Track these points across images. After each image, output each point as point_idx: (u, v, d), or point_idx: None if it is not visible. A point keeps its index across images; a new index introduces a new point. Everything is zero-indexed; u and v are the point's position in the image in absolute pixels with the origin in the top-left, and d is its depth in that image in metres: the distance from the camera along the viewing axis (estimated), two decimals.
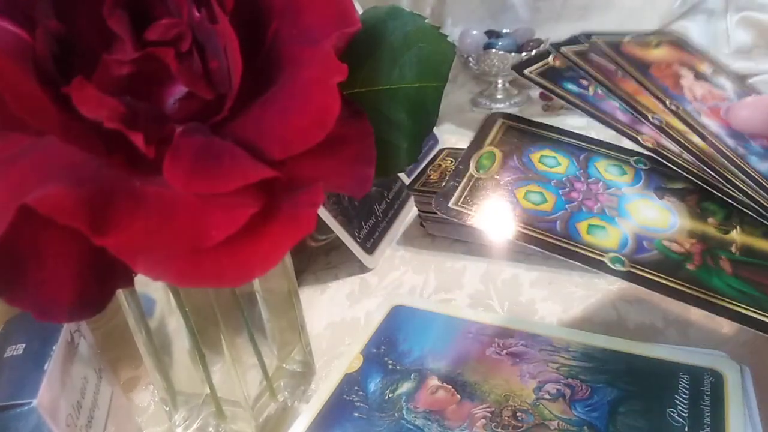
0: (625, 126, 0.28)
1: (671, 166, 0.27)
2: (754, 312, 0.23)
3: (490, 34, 0.76)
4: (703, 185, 0.26)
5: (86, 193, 0.16)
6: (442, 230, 0.51)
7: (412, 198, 0.53)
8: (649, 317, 0.38)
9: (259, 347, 0.34)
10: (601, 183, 0.28)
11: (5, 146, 0.18)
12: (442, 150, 0.56)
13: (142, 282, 0.23)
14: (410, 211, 0.55)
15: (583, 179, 0.28)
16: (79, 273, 0.17)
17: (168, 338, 0.33)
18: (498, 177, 0.28)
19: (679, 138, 0.28)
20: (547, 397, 0.31)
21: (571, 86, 0.29)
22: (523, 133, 0.30)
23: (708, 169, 0.27)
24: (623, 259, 0.24)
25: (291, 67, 0.20)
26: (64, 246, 0.17)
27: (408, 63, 0.23)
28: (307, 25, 0.20)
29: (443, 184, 0.27)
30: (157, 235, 0.17)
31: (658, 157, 0.27)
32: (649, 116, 0.28)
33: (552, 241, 0.25)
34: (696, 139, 0.28)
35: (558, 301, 0.41)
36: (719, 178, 0.27)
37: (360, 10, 0.23)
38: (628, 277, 0.24)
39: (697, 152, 0.27)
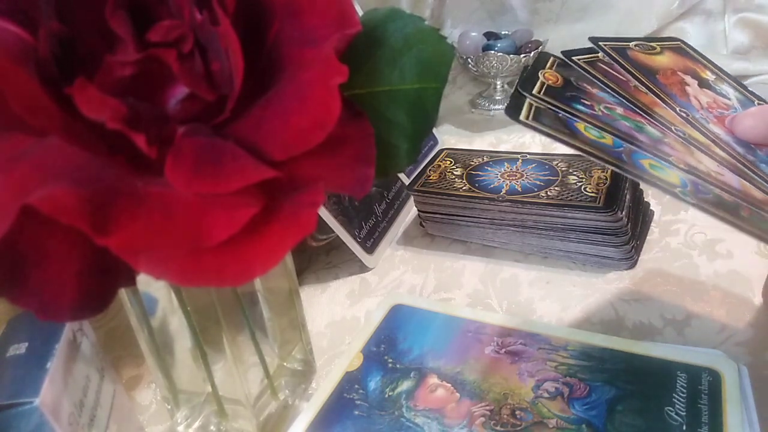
0: (648, 146, 0.26)
1: (708, 185, 0.26)
2: None
3: (489, 35, 0.76)
4: (740, 200, 0.25)
5: (88, 193, 0.17)
6: (442, 230, 0.51)
7: (412, 198, 0.53)
8: (647, 316, 0.38)
9: (260, 346, 0.34)
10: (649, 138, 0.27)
11: (7, 146, 0.18)
12: (441, 150, 0.56)
13: (144, 281, 0.23)
14: (410, 211, 0.55)
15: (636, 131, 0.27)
16: (82, 272, 0.18)
17: (170, 337, 0.33)
18: (554, 110, 0.27)
19: (704, 149, 0.27)
20: (546, 395, 0.32)
21: (579, 107, 0.27)
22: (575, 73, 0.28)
23: (742, 177, 0.26)
24: (689, 193, 0.24)
25: (292, 69, 0.20)
26: (67, 246, 0.17)
27: (408, 64, 0.23)
28: (308, 26, 0.20)
29: (510, 96, 0.26)
30: (158, 234, 0.17)
31: (693, 174, 0.26)
32: (672, 128, 0.28)
33: (623, 166, 0.24)
34: (718, 150, 0.27)
35: (556, 301, 0.42)
36: (755, 180, 0.26)
37: (360, 12, 0.23)
38: (699, 207, 0.24)
39: (727, 164, 0.27)
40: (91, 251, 0.17)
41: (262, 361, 0.34)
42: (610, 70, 0.30)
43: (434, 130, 0.64)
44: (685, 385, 0.30)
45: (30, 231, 0.17)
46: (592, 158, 0.25)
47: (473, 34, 0.75)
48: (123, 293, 0.30)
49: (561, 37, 0.73)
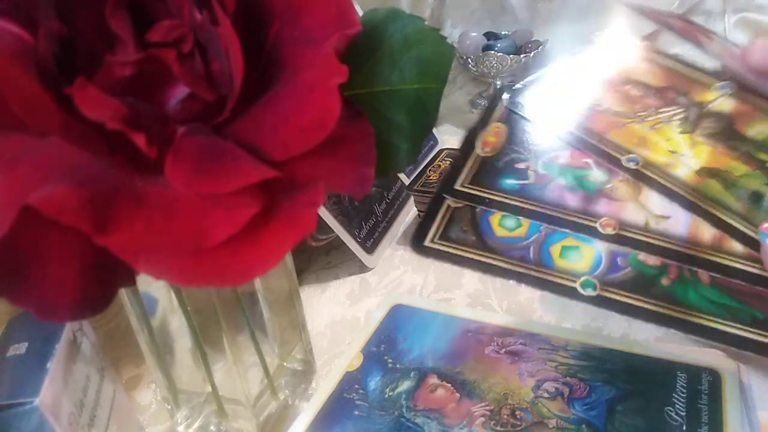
0: (576, 215, 0.25)
1: (638, 250, 0.24)
2: (731, 326, 0.22)
3: (489, 35, 0.76)
4: (680, 263, 0.24)
5: (88, 193, 0.17)
6: None
7: (412, 198, 0.53)
8: None
9: (260, 346, 0.34)
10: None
11: (7, 146, 0.18)
12: (441, 150, 0.56)
13: (144, 281, 0.23)
14: (410, 211, 0.55)
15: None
16: (82, 272, 0.18)
17: (170, 337, 0.33)
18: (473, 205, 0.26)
19: (659, 179, 0.26)
20: (546, 395, 0.32)
21: (509, 181, 0.26)
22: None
23: (692, 211, 0.25)
24: (594, 282, 0.23)
25: (292, 69, 0.20)
26: (67, 246, 0.17)
27: (408, 64, 0.23)
28: (308, 27, 0.20)
29: (417, 223, 0.25)
30: (158, 234, 0.17)
31: (621, 244, 0.24)
32: (623, 159, 0.26)
33: (524, 271, 0.24)
34: (682, 169, 0.26)
35: (556, 300, 0.41)
36: (708, 210, 0.25)
37: (360, 12, 0.23)
38: (599, 302, 0.23)
39: (682, 191, 0.25)
40: (91, 251, 0.17)
41: (262, 361, 0.34)
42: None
43: (434, 130, 0.64)
44: (685, 385, 0.30)
45: (30, 231, 0.17)
46: (492, 275, 0.24)
47: (473, 34, 0.75)
48: (123, 293, 0.30)
49: (561, 37, 0.73)
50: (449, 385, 0.34)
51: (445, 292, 0.45)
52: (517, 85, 0.30)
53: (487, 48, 0.72)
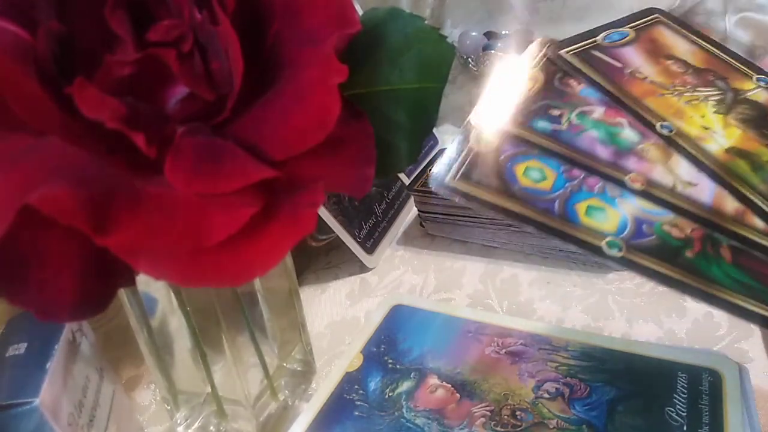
0: (607, 165, 0.25)
1: (663, 207, 0.25)
2: (751, 304, 0.23)
3: (490, 35, 0.76)
4: (702, 226, 0.24)
5: (88, 193, 0.17)
6: (442, 230, 0.51)
7: (412, 198, 0.53)
8: (647, 316, 0.38)
9: (260, 346, 0.34)
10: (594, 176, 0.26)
11: (7, 146, 0.18)
12: (441, 150, 0.56)
13: (144, 281, 0.23)
14: (410, 211, 0.55)
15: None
16: (81, 272, 0.18)
17: (169, 337, 0.33)
18: (497, 151, 0.26)
19: (689, 148, 0.26)
20: (546, 395, 0.32)
21: (542, 123, 0.26)
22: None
23: (718, 183, 0.25)
24: (620, 243, 0.23)
25: (292, 68, 0.20)
26: (66, 246, 0.17)
27: (408, 64, 0.23)
28: (308, 26, 0.20)
29: (438, 158, 0.25)
30: (158, 234, 0.17)
31: (647, 200, 0.25)
32: (657, 125, 0.26)
33: (549, 223, 0.24)
34: (713, 144, 0.26)
35: (557, 301, 0.41)
36: (734, 185, 0.25)
37: (360, 12, 0.23)
38: (624, 263, 0.23)
39: (710, 164, 0.26)
40: (90, 251, 0.17)
41: (261, 361, 0.34)
42: (605, 57, 0.29)
43: (434, 130, 0.64)
44: (685, 386, 0.30)
45: (29, 231, 0.17)
46: (513, 219, 0.24)
47: (473, 33, 0.75)
48: (122, 293, 0.30)
49: (561, 37, 0.72)
50: (449, 385, 0.33)
51: (445, 292, 0.45)
52: (562, 40, 0.30)
53: (487, 47, 0.72)
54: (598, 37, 0.30)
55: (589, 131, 0.26)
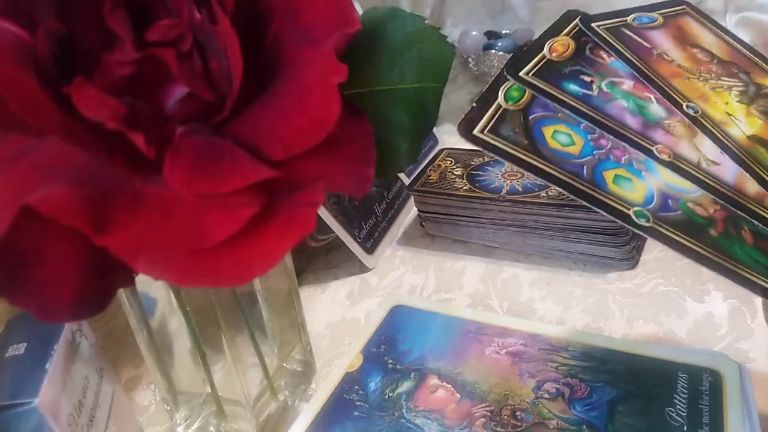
0: (635, 134, 0.26)
1: (688, 180, 0.25)
2: None
3: (490, 35, 0.76)
4: (725, 203, 0.25)
5: (87, 193, 0.16)
6: (442, 230, 0.51)
7: (412, 198, 0.53)
8: (648, 317, 0.38)
9: (259, 346, 0.34)
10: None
11: (6, 146, 0.18)
12: (441, 150, 0.56)
13: (143, 281, 0.23)
14: (410, 211, 0.55)
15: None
16: (80, 272, 0.17)
17: (169, 338, 0.33)
18: (526, 111, 0.26)
19: (714, 130, 0.26)
20: (547, 396, 0.31)
21: (573, 86, 0.27)
22: (557, 71, 0.28)
23: (741, 165, 0.26)
24: (648, 214, 0.24)
25: (291, 68, 0.20)
26: (65, 246, 0.17)
27: (408, 64, 0.23)
28: (308, 25, 0.20)
29: (468, 110, 0.25)
30: (157, 234, 0.17)
31: (673, 171, 0.25)
32: (684, 105, 0.27)
33: (578, 185, 0.24)
34: (735, 130, 0.27)
35: (557, 301, 0.41)
36: (755, 169, 0.26)
37: (360, 11, 0.23)
38: (652, 233, 0.23)
39: (733, 147, 0.26)
40: (90, 251, 0.17)
41: (261, 361, 0.34)
42: (635, 36, 0.29)
43: (434, 130, 0.64)
44: (686, 386, 0.30)
45: (29, 231, 0.17)
46: (542, 178, 0.24)
47: (474, 33, 0.75)
48: (122, 294, 0.30)
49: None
50: (449, 385, 0.33)
51: (445, 292, 0.45)
52: (593, 14, 0.30)
53: (487, 47, 0.72)
54: (628, 18, 0.30)
55: (618, 100, 0.27)
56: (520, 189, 0.46)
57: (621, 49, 0.28)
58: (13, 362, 0.29)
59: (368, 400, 0.34)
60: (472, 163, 0.52)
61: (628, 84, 0.28)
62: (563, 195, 0.43)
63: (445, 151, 0.55)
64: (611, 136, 0.26)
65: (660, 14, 0.32)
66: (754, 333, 0.35)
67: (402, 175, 0.55)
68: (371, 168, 0.20)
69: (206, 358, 0.32)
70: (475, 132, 0.25)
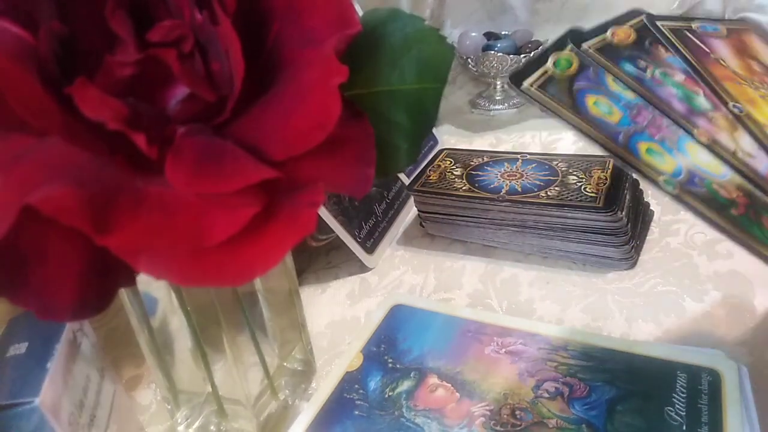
0: (680, 117, 0.27)
1: (720, 161, 0.27)
2: None
3: (489, 36, 0.76)
4: (753, 186, 0.26)
5: (88, 193, 0.17)
6: (442, 230, 0.51)
7: (412, 198, 0.53)
8: (647, 316, 0.38)
9: (260, 346, 0.34)
10: (665, 118, 0.28)
11: (8, 146, 0.18)
12: (441, 150, 0.56)
13: (145, 281, 0.23)
14: (410, 211, 0.55)
15: (651, 110, 0.28)
16: (82, 272, 0.18)
17: (170, 337, 0.33)
18: (572, 79, 0.28)
19: (754, 128, 0.28)
20: (546, 395, 0.32)
21: (628, 66, 0.28)
22: (603, 55, 0.29)
23: None
24: (675, 182, 0.25)
25: (292, 69, 0.20)
26: (67, 246, 0.17)
27: (408, 64, 0.23)
28: (308, 27, 0.20)
29: (519, 66, 0.27)
30: (158, 234, 0.17)
31: (709, 152, 0.27)
32: (730, 104, 0.28)
33: (613, 146, 0.26)
34: None
35: (556, 301, 0.42)
36: None
37: (360, 12, 0.23)
38: (678, 200, 0.25)
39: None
40: (91, 251, 0.17)
41: (262, 361, 0.34)
42: (695, 40, 0.31)
43: (434, 130, 0.64)
44: (685, 385, 0.30)
45: (30, 231, 0.17)
46: (582, 134, 0.26)
47: (473, 34, 0.75)
48: (123, 293, 0.30)
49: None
50: (449, 385, 0.34)
51: (445, 292, 0.45)
52: (659, 14, 0.32)
53: (487, 48, 0.72)
54: (692, 23, 0.32)
55: (669, 87, 0.28)
56: (520, 189, 0.46)
57: (679, 46, 0.30)
58: (15, 362, 0.29)
59: (368, 399, 0.34)
60: (472, 163, 0.52)
61: (680, 77, 0.29)
62: (562, 195, 0.43)
63: (445, 151, 0.55)
64: (656, 110, 0.27)
65: (724, 26, 0.33)
66: (753, 332, 0.36)
67: (402, 175, 0.55)
68: (371, 168, 0.20)
69: (207, 357, 0.32)
70: (524, 84, 0.27)
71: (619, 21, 0.30)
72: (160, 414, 0.39)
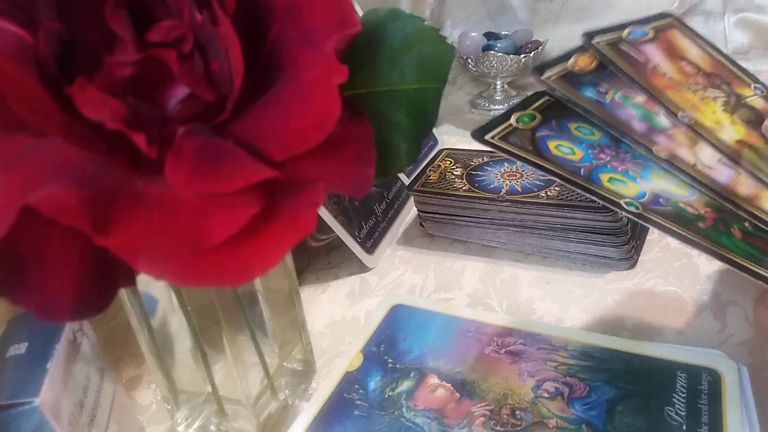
0: (639, 136, 0.28)
1: (683, 177, 0.28)
2: (758, 268, 0.24)
3: (489, 36, 0.76)
4: (716, 198, 0.27)
5: (88, 193, 0.17)
6: (442, 230, 0.51)
7: (412, 198, 0.53)
8: (647, 316, 0.38)
9: (260, 346, 0.34)
10: (629, 154, 0.29)
11: (8, 147, 0.18)
12: (441, 151, 0.56)
13: (144, 281, 0.23)
14: (410, 211, 0.55)
15: (613, 148, 0.29)
16: (82, 272, 0.18)
17: (170, 337, 0.33)
18: (534, 131, 0.29)
19: (707, 136, 0.29)
20: (546, 395, 0.32)
21: (588, 93, 0.29)
22: (567, 109, 0.30)
23: (734, 161, 0.28)
24: (637, 204, 0.26)
25: (292, 69, 0.20)
26: (67, 246, 0.17)
27: (408, 64, 0.23)
28: (308, 27, 0.20)
29: (485, 123, 0.29)
30: (158, 235, 0.17)
31: (671, 168, 0.28)
32: (679, 114, 0.29)
33: (574, 179, 0.26)
34: (725, 135, 0.29)
35: (556, 300, 0.42)
36: (747, 167, 0.28)
37: (360, 12, 0.23)
38: (641, 218, 0.25)
39: (726, 150, 0.28)
40: (91, 251, 0.17)
41: (262, 361, 0.34)
42: (629, 52, 0.31)
43: (434, 130, 0.64)
44: (685, 385, 0.30)
45: (30, 231, 0.17)
46: (544, 171, 0.27)
47: (473, 34, 0.75)
48: (123, 293, 0.30)
49: (561, 38, 0.73)
50: (449, 385, 0.34)
51: (445, 292, 0.45)
52: (596, 30, 0.33)
53: (487, 48, 0.72)
54: (623, 33, 0.32)
55: (628, 109, 0.29)
56: (520, 189, 0.46)
57: (619, 64, 0.30)
58: (15, 362, 0.29)
59: (368, 399, 0.34)
60: (472, 163, 0.52)
61: (640, 98, 0.30)
62: (562, 195, 0.44)
63: (445, 151, 0.55)
64: (614, 133, 0.28)
65: (651, 28, 0.34)
66: (753, 332, 0.36)
67: (402, 175, 0.55)
68: (371, 168, 0.20)
69: (207, 357, 0.32)
70: (487, 137, 0.28)
71: (582, 49, 0.31)
72: (160, 414, 0.39)
